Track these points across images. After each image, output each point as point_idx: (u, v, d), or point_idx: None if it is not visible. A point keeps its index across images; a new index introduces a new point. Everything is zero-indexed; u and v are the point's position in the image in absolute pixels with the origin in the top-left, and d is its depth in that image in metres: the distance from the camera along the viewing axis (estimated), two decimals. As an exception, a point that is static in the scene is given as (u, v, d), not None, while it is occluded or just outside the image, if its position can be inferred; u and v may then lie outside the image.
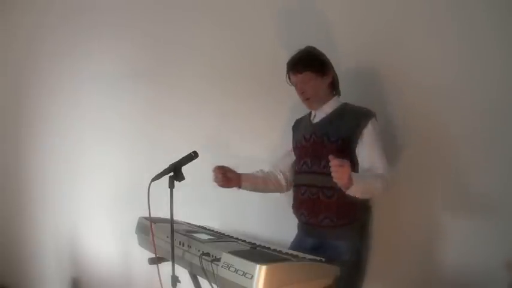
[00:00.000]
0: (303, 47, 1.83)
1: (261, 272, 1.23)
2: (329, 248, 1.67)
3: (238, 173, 1.88)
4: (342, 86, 1.87)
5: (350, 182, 1.48)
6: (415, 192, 1.95)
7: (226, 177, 1.82)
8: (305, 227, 1.83)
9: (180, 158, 1.60)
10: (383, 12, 2.00)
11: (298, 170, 1.88)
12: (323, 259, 1.50)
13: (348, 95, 1.87)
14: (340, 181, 1.47)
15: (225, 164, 1.84)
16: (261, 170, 1.98)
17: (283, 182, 1.97)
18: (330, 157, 1.47)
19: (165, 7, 2.66)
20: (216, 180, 1.82)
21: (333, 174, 1.47)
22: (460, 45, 1.84)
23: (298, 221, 1.88)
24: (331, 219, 1.71)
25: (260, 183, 1.94)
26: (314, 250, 1.71)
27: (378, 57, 2.03)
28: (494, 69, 1.78)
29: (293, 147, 1.95)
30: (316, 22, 2.17)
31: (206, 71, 2.52)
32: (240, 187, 1.90)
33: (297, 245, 1.85)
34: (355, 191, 1.53)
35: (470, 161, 1.85)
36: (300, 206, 1.83)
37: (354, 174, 1.50)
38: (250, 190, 1.95)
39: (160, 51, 2.68)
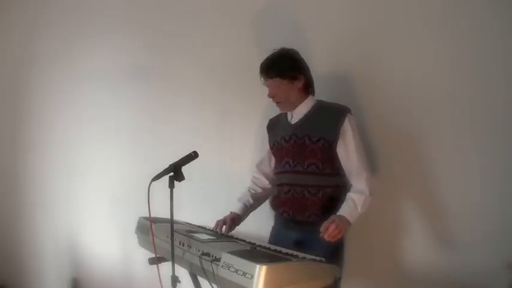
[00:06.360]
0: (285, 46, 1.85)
1: (261, 272, 1.23)
2: (313, 242, 1.67)
3: (233, 216, 1.93)
4: (315, 85, 1.90)
5: (344, 227, 1.63)
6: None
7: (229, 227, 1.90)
8: (286, 223, 1.87)
9: (180, 157, 1.60)
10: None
11: (280, 170, 1.90)
12: (323, 259, 1.50)
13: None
14: (340, 235, 1.62)
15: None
16: (248, 191, 2.04)
17: (269, 186, 2.03)
18: (322, 233, 1.61)
19: (166, 4, 2.66)
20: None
21: (332, 238, 1.61)
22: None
23: (279, 217, 1.91)
24: (316, 215, 1.76)
25: (253, 207, 2.02)
26: (298, 244, 1.76)
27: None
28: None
29: (270, 147, 1.98)
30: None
31: (206, 68, 2.52)
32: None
33: (280, 239, 1.87)
34: (356, 219, 1.69)
35: (470, 160, 1.85)
36: (284, 204, 1.86)
37: (345, 213, 1.66)
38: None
39: (160, 48, 2.68)
